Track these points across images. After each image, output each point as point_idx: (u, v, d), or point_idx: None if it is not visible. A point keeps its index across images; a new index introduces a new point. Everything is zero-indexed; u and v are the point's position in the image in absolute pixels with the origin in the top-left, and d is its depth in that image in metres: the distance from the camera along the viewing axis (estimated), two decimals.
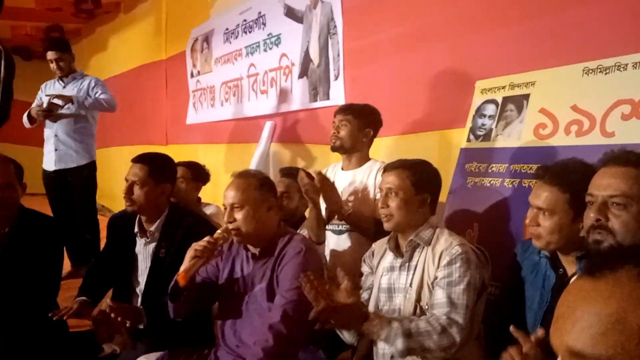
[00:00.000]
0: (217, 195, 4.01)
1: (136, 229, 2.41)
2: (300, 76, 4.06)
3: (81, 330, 2.49)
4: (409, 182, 1.86)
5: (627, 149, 1.44)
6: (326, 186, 2.43)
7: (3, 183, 2.26)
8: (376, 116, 2.65)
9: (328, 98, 3.76)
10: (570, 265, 1.56)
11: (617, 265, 0.61)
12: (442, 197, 2.32)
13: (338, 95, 3.65)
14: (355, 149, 2.61)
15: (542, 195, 1.56)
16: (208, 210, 3.23)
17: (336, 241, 2.62)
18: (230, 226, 1.97)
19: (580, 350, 0.59)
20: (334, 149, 2.64)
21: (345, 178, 2.64)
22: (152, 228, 2.38)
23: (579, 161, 1.61)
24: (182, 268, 1.91)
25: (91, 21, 8.90)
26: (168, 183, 2.41)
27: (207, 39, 5.57)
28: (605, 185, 1.35)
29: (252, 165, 4.30)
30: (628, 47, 1.96)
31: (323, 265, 2.21)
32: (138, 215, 2.41)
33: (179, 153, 4.88)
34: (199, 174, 3.35)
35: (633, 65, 1.91)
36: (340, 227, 2.60)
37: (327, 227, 2.59)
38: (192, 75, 5.94)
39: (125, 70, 7.77)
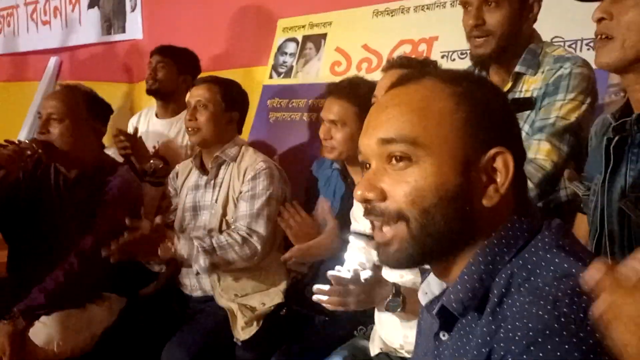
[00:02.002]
0: None
1: None
2: (90, 6, 3.67)
3: None
4: (220, 97, 1.85)
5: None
6: (135, 142, 2.23)
7: None
8: (196, 62, 2.53)
9: (124, 31, 3.48)
10: (357, 175, 1.72)
11: (421, 76, 0.71)
12: (245, 133, 2.36)
13: (135, 29, 3.40)
14: (173, 95, 2.45)
15: (333, 109, 1.68)
16: None
17: None
18: (42, 137, 1.71)
19: (389, 136, 0.67)
20: (150, 92, 2.46)
21: (161, 127, 2.48)
22: None
23: (363, 78, 1.77)
24: None
25: None
26: None
27: None
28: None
29: (34, 106, 3.81)
30: None
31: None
32: None
33: None
34: None
35: (414, 9, 2.14)
36: None
37: None
38: None
39: None
